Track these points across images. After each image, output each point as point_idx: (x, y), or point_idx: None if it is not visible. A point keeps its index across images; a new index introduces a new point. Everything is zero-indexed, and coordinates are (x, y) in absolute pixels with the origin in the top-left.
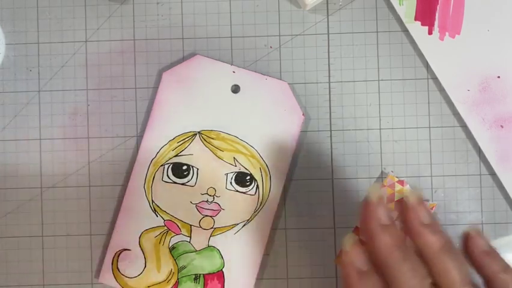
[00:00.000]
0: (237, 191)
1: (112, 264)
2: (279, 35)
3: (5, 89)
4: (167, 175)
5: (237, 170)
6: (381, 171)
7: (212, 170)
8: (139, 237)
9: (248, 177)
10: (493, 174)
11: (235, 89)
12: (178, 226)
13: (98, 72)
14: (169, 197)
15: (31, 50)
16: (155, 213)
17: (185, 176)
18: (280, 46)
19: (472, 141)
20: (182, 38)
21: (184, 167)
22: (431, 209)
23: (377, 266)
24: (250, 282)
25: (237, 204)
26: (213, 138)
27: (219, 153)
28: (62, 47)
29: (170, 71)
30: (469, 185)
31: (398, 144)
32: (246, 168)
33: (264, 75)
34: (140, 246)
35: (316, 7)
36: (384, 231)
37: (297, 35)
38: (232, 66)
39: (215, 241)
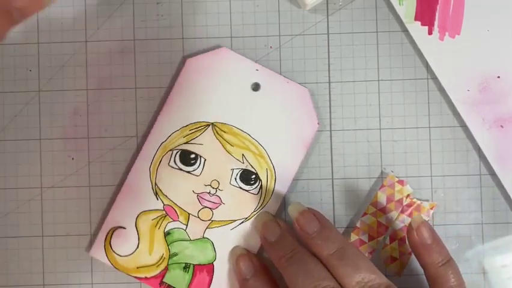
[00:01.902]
0: (240, 187)
1: (105, 240)
2: (279, 35)
3: (5, 89)
4: (175, 161)
5: (244, 167)
6: (381, 171)
7: (219, 163)
8: (136, 218)
9: (253, 176)
10: (493, 174)
11: (256, 87)
12: (176, 212)
13: (98, 72)
14: (172, 182)
15: (31, 50)
16: (156, 196)
17: (192, 165)
18: (280, 46)
19: (472, 141)
20: (182, 38)
21: (192, 156)
22: (431, 209)
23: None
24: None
25: (238, 200)
26: (225, 132)
27: (229, 147)
28: (62, 47)
29: (195, 59)
30: (469, 185)
31: (398, 144)
32: (252, 167)
33: (287, 78)
34: (135, 227)
35: (316, 7)
36: (271, 246)
37: (297, 35)
38: (256, 64)
39: (210, 234)
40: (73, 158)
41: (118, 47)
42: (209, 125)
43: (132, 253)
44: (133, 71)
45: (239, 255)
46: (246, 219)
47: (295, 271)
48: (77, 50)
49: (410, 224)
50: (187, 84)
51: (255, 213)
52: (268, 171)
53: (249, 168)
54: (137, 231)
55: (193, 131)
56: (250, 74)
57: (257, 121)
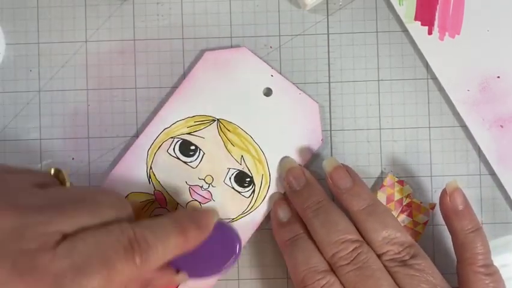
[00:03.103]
0: (233, 188)
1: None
2: (279, 35)
3: (5, 89)
4: (174, 149)
5: (240, 169)
6: (381, 171)
7: (217, 159)
8: (126, 197)
9: (248, 179)
10: (493, 174)
11: (267, 92)
12: (165, 200)
13: (98, 72)
14: (167, 169)
15: (31, 50)
16: (149, 179)
17: (191, 156)
18: (280, 46)
19: (472, 141)
20: (182, 38)
21: (192, 147)
22: (431, 209)
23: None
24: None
25: (228, 200)
26: (229, 130)
27: (230, 146)
28: (62, 47)
29: (213, 53)
30: (469, 185)
31: (398, 144)
32: (249, 170)
33: (300, 89)
34: None
35: (316, 7)
36: (295, 195)
37: (297, 35)
38: (273, 70)
39: None
40: (73, 158)
41: (118, 47)
42: (215, 120)
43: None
44: (133, 71)
45: (275, 201)
46: (232, 220)
47: (320, 222)
48: (77, 50)
49: (444, 189)
50: (201, 76)
51: (242, 215)
52: (264, 177)
53: (246, 170)
54: None
55: (198, 123)
56: (265, 78)
57: (263, 126)
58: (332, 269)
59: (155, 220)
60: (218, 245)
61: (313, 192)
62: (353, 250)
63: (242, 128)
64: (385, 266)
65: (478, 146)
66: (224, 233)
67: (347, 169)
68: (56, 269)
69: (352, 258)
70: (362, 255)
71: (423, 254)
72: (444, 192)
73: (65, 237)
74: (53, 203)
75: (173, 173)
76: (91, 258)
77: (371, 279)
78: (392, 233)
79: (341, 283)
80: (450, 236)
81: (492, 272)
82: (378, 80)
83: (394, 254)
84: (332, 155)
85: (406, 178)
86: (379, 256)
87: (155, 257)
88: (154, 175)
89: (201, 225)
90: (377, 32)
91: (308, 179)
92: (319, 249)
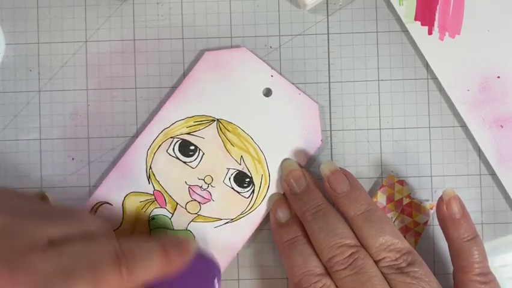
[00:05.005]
0: (233, 188)
1: (90, 212)
2: (279, 35)
3: (5, 89)
4: (173, 149)
5: (240, 169)
6: (381, 171)
7: (217, 159)
8: (125, 197)
9: (247, 180)
10: (493, 174)
11: (267, 92)
12: (165, 199)
13: (98, 72)
14: (167, 169)
15: (31, 50)
16: (148, 179)
17: (190, 156)
18: (280, 46)
19: (472, 141)
20: (182, 38)
21: (192, 147)
22: (431, 209)
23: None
24: None
25: (228, 200)
26: (228, 131)
27: (229, 146)
28: (62, 47)
29: (213, 53)
30: (469, 185)
31: (398, 144)
32: (248, 170)
33: (299, 89)
34: (122, 206)
35: (317, 7)
36: (295, 197)
37: (297, 35)
38: (272, 70)
39: (194, 227)
40: (73, 158)
41: (118, 47)
42: (214, 120)
43: (113, 231)
44: (133, 71)
45: (274, 201)
46: (232, 220)
47: (319, 226)
48: (77, 50)
49: (441, 197)
50: (201, 77)
51: (241, 216)
52: (263, 177)
53: (245, 170)
54: (123, 210)
55: (198, 123)
56: (265, 78)
57: (262, 126)
58: (329, 273)
59: (139, 238)
60: (198, 275)
61: (313, 195)
62: (350, 255)
63: (242, 128)
64: (382, 273)
65: (478, 146)
66: (204, 263)
67: (345, 173)
68: (45, 269)
69: (349, 263)
70: (359, 260)
71: (420, 261)
72: (440, 200)
73: (52, 242)
74: (41, 212)
75: (172, 173)
76: (79, 264)
77: (366, 285)
78: (389, 240)
79: (337, 287)
80: None
81: (488, 281)
82: (378, 80)
83: (391, 260)
84: (331, 155)
85: (406, 178)
86: (376, 262)
87: (140, 271)
88: (154, 175)
89: (182, 248)
90: (377, 32)
91: (309, 183)
92: (316, 253)
